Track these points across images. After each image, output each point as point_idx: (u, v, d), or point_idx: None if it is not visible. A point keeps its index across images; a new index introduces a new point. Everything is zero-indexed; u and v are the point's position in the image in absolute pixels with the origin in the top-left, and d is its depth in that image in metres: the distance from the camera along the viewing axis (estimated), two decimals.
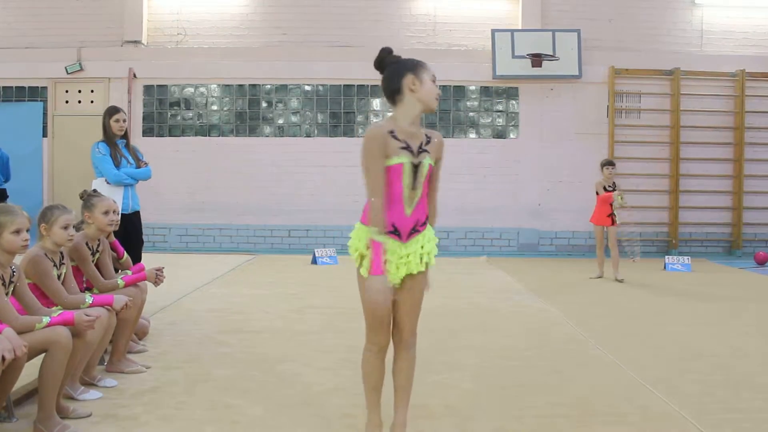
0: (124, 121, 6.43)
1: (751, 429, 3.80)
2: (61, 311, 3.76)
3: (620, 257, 9.59)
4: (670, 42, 13.05)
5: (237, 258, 11.27)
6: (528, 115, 12.93)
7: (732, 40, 13.10)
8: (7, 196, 10.86)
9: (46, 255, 4.09)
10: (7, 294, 3.56)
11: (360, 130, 12.87)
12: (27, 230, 3.68)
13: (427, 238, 3.34)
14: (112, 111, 6.41)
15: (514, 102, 12.94)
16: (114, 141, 6.35)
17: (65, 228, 4.16)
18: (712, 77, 12.84)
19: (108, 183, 6.21)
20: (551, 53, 12.37)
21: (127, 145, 6.51)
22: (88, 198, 4.87)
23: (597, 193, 9.49)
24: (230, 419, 3.82)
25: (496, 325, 6.46)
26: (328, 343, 5.58)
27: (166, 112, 12.93)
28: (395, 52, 3.34)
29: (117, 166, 6.29)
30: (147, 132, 12.86)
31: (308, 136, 12.96)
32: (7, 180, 10.85)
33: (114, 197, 5.56)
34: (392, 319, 3.34)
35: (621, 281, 9.19)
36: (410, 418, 3.78)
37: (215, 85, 12.94)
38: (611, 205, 9.25)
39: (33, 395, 3.82)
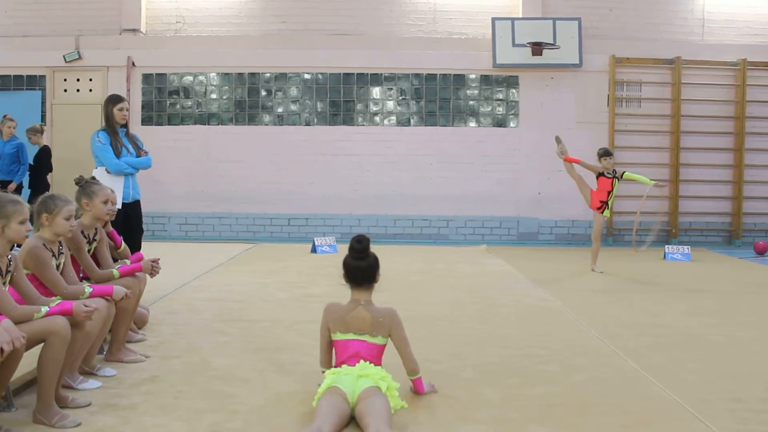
0: (128, 109, 6.41)
1: (751, 418, 3.80)
2: (59, 301, 3.75)
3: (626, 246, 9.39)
4: (671, 31, 12.99)
5: (236, 247, 11.25)
6: (528, 104, 12.89)
7: (733, 29, 13.03)
8: None
9: (44, 245, 4.07)
10: (4, 284, 3.55)
11: (360, 119, 12.84)
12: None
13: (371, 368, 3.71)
14: (115, 99, 6.37)
15: (514, 91, 12.90)
16: (115, 129, 6.32)
17: (68, 219, 4.14)
18: (713, 66, 12.79)
19: (108, 172, 6.19)
20: (552, 42, 12.30)
21: (127, 134, 6.49)
22: (88, 185, 4.81)
23: (597, 176, 8.98)
24: (230, 408, 3.82)
25: (496, 314, 6.46)
26: None
27: (165, 100, 12.89)
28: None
29: (117, 155, 6.25)
30: (146, 121, 12.82)
31: (308, 124, 12.93)
32: None
33: (115, 186, 5.54)
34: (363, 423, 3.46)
35: (600, 272, 8.94)
36: (410, 407, 3.79)
37: (214, 74, 12.89)
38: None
39: (32, 385, 3.82)
